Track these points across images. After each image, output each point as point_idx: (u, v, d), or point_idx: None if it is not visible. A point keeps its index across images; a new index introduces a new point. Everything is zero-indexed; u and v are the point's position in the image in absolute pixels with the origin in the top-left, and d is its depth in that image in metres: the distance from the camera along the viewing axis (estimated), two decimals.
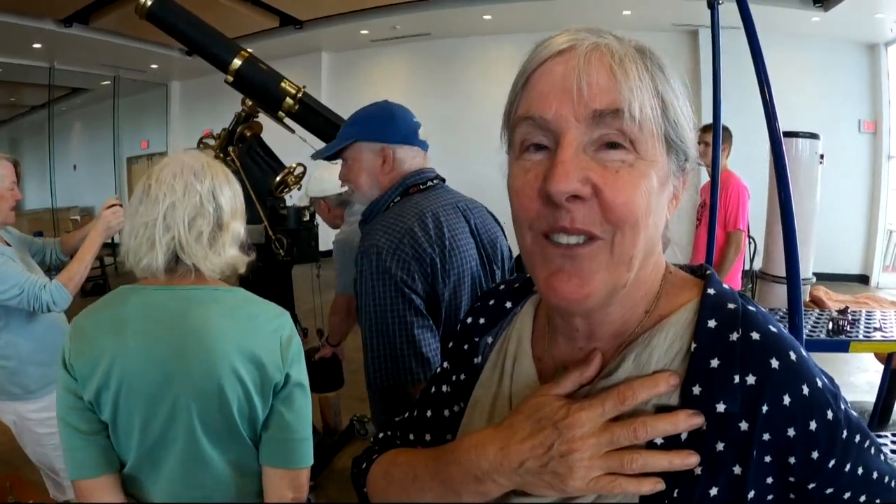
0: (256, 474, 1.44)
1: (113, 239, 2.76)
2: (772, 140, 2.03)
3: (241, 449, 1.41)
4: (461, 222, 1.85)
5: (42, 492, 2.74)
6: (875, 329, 2.77)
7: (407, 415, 1.02)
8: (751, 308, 0.72)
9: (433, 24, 10.70)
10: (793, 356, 0.68)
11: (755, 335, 0.68)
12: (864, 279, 9.69)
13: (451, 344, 0.98)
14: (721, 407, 0.65)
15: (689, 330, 0.71)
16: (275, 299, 1.53)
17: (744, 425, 0.65)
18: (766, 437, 0.65)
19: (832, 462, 0.66)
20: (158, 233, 1.35)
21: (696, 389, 0.67)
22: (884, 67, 9.42)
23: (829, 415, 0.67)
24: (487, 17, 10.10)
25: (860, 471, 0.69)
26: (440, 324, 1.76)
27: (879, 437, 2.77)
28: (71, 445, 1.36)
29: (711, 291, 0.74)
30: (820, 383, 0.68)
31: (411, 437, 0.98)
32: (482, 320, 0.91)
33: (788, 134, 3.79)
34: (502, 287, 0.94)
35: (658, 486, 0.66)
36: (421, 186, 1.89)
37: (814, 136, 4.36)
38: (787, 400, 0.65)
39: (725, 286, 0.76)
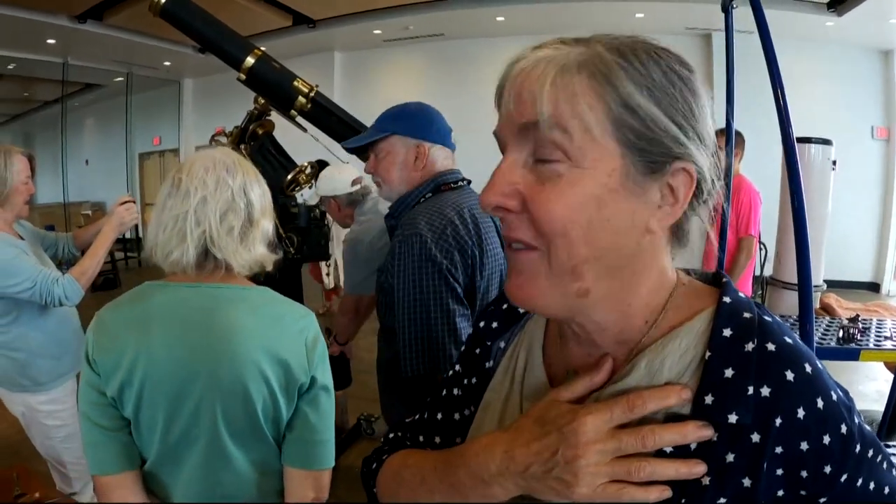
0: (278, 473, 1.44)
1: (124, 234, 2.77)
2: (785, 146, 2.02)
3: (264, 448, 1.41)
4: (489, 222, 1.88)
5: (49, 484, 2.75)
6: (886, 338, 2.74)
7: (417, 416, 1.01)
8: (767, 318, 0.70)
9: (446, 25, 10.69)
10: (808, 368, 0.66)
11: (771, 346, 0.67)
12: (874, 287, 9.61)
13: (463, 348, 0.98)
14: (733, 418, 0.64)
15: (704, 338, 0.69)
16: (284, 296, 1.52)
17: (756, 437, 0.64)
18: (778, 449, 0.64)
19: (844, 476, 0.65)
20: (190, 226, 1.33)
21: (709, 399, 0.66)
22: None
23: (844, 429, 0.65)
24: (500, 18, 10.09)
25: (872, 486, 0.68)
26: (473, 315, 1.77)
27: (888, 447, 2.75)
28: (92, 441, 1.35)
29: (727, 300, 0.72)
30: (835, 396, 0.67)
31: (421, 438, 0.98)
32: (495, 324, 0.91)
33: (801, 140, 3.75)
34: None
35: (665, 493, 0.65)
36: (452, 185, 1.92)
37: (827, 142, 4.32)
38: (801, 413, 0.64)
39: (741, 295, 0.74)
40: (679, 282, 0.75)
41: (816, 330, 2.73)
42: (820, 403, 0.65)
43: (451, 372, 0.99)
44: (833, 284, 5.29)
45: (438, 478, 0.81)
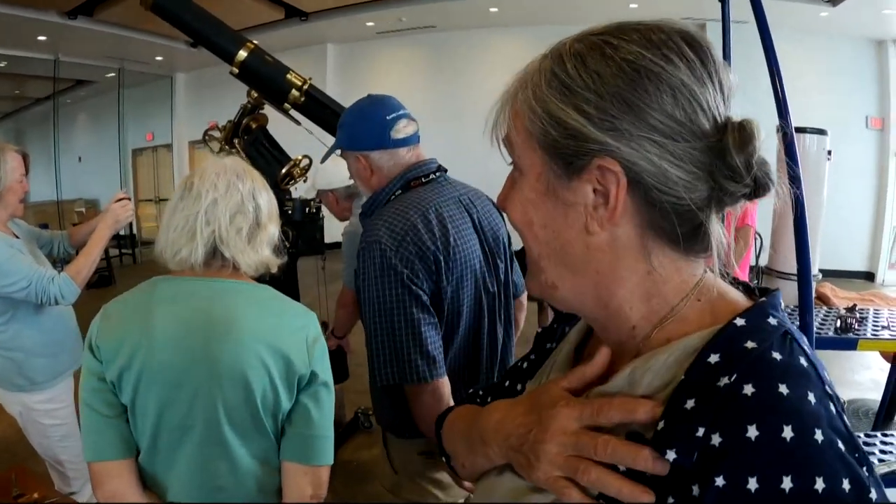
0: (277, 469, 1.46)
1: (120, 232, 2.76)
2: (784, 136, 2.01)
3: (263, 441, 1.43)
4: (464, 217, 1.83)
5: (47, 484, 2.74)
6: (883, 327, 2.76)
7: (498, 381, 1.04)
8: (776, 355, 0.59)
9: (439, 17, 10.65)
10: (788, 434, 0.53)
11: (748, 388, 0.56)
12: (869, 276, 9.66)
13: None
14: (671, 455, 0.56)
15: (692, 359, 0.62)
16: (280, 291, 1.54)
17: (696, 490, 0.55)
18: None
19: None
20: (200, 225, 1.40)
21: (661, 424, 0.59)
22: (891, 64, 9.36)
23: None
24: (494, 9, 10.06)
25: None
26: (442, 321, 1.74)
27: (886, 436, 2.77)
28: (89, 427, 1.39)
29: (740, 322, 0.62)
30: (821, 487, 0.51)
31: (489, 399, 0.99)
32: None
33: (797, 130, 3.77)
34: None
35: None
36: (423, 180, 1.86)
37: (822, 132, 4.34)
38: (752, 484, 0.52)
39: (772, 321, 0.63)
40: (695, 293, 0.68)
41: (814, 320, 2.74)
42: (787, 484, 0.51)
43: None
44: (828, 274, 5.31)
45: (465, 431, 0.88)
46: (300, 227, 3.10)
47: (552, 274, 0.70)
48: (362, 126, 1.86)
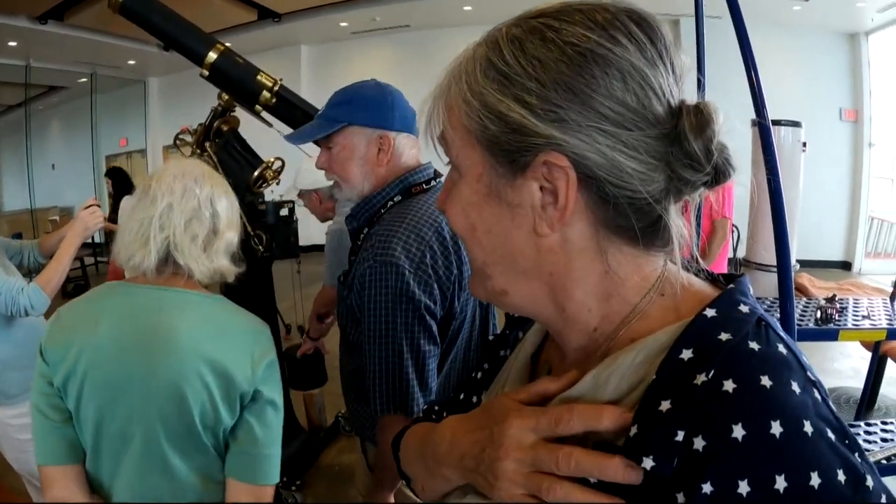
0: (221, 484, 1.42)
1: (93, 239, 2.71)
2: (761, 128, 2.02)
3: (203, 457, 1.39)
4: None
5: (24, 499, 2.69)
6: (864, 317, 2.76)
7: (452, 394, 0.99)
8: (753, 345, 0.55)
9: (413, 16, 10.65)
10: (777, 430, 0.49)
11: (729, 384, 0.52)
12: (846, 265, 9.80)
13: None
14: (648, 463, 0.52)
15: (662, 356, 0.57)
16: (255, 296, 1.51)
17: (680, 498, 0.51)
18: None
19: None
20: (154, 230, 1.36)
21: (633, 430, 0.54)
22: (864, 56, 9.49)
23: None
24: (468, 7, 10.06)
25: None
26: (446, 338, 1.65)
27: (870, 425, 2.78)
28: (38, 432, 1.38)
29: (710, 313, 0.58)
30: (816, 482, 0.49)
31: (445, 414, 0.95)
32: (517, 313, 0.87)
33: (772, 122, 3.79)
34: None
35: None
36: (424, 186, 1.70)
37: (796, 124, 4.37)
38: (743, 488, 0.48)
39: (743, 308, 0.59)
40: (657, 288, 0.63)
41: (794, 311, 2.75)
42: (780, 484, 0.48)
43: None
44: (805, 264, 5.36)
45: (419, 452, 0.81)
46: (274, 230, 3.07)
47: (501, 281, 0.66)
48: (391, 104, 1.66)
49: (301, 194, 3.37)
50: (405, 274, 1.49)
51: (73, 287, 8.23)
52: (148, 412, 1.33)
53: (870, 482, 0.51)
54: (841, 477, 0.49)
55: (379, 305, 1.51)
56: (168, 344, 1.33)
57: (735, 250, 4.58)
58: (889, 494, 0.52)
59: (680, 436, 0.51)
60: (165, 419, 1.33)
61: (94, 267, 10.57)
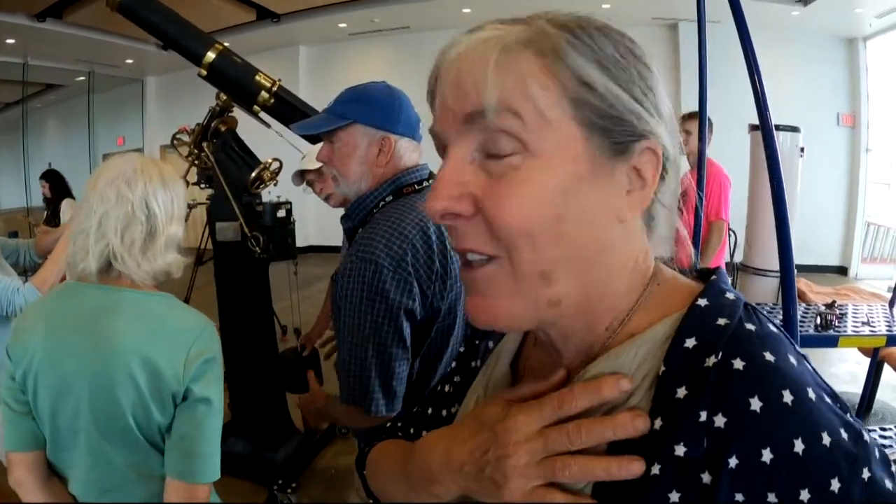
0: (161, 479, 1.44)
1: None
2: (764, 133, 2.01)
3: (139, 454, 1.43)
4: None
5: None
6: (863, 323, 2.76)
7: (417, 408, 0.97)
8: (749, 326, 0.58)
9: (412, 18, 10.64)
10: (788, 398, 0.52)
11: (738, 363, 0.54)
12: (842, 270, 9.81)
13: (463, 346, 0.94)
14: (681, 450, 0.53)
15: (665, 348, 0.59)
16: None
17: (706, 478, 0.53)
18: (739, 497, 0.52)
19: None
20: (91, 241, 1.39)
21: (658, 423, 0.55)
22: (862, 62, 9.52)
23: (835, 485, 0.51)
24: (467, 10, 10.03)
25: None
26: (428, 340, 1.66)
27: (867, 431, 2.77)
28: (5, 420, 1.45)
29: (703, 303, 0.61)
30: (827, 440, 0.52)
31: (412, 430, 0.94)
32: None
33: None
34: None
35: None
36: (416, 186, 1.71)
37: (794, 129, 4.38)
38: (766, 456, 0.51)
39: (730, 296, 0.62)
40: (655, 277, 0.65)
41: None
42: (798, 447, 0.51)
43: (452, 366, 0.95)
44: (802, 269, 5.35)
45: (399, 471, 0.79)
46: (271, 231, 3.05)
47: (562, 285, 0.59)
48: (398, 108, 1.70)
49: (310, 182, 3.27)
50: (383, 272, 1.53)
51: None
52: (88, 409, 1.37)
53: (866, 436, 0.55)
54: (844, 434, 0.53)
55: (353, 300, 1.55)
56: (104, 343, 1.36)
57: (732, 255, 4.57)
58: (880, 448, 0.56)
59: (703, 416, 0.53)
60: (100, 417, 1.38)
61: None
